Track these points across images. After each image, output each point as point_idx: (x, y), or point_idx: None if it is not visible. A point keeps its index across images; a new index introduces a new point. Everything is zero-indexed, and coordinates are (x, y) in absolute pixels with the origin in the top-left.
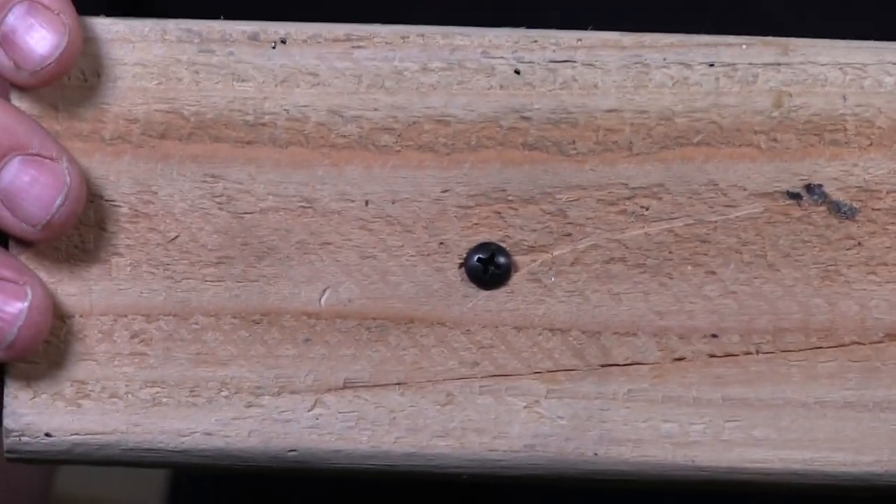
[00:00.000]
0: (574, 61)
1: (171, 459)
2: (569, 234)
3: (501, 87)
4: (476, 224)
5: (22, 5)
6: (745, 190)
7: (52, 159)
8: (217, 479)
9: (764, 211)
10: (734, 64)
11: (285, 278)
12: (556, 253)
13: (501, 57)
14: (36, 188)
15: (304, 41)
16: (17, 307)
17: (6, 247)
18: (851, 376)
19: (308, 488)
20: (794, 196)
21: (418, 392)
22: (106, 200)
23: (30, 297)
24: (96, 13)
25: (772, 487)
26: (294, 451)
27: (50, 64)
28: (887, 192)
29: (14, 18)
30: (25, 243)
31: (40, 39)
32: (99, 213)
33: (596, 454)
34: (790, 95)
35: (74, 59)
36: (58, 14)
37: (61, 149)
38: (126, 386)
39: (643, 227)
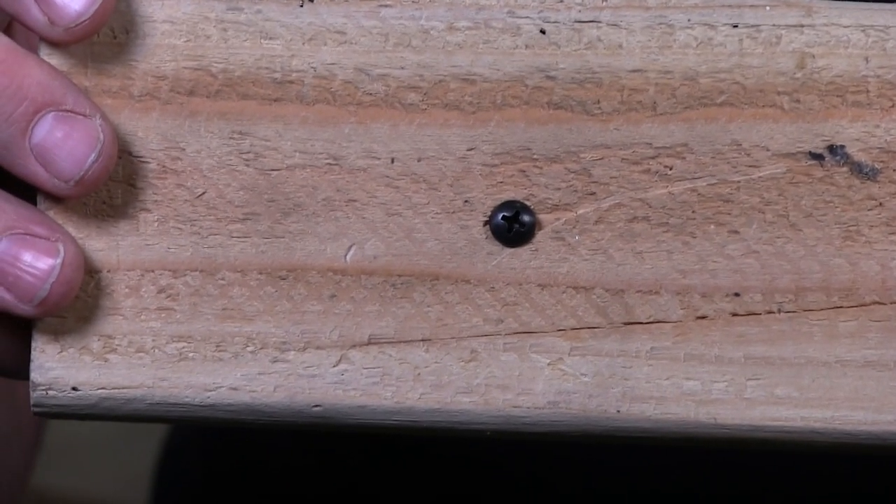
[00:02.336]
0: (599, 21)
1: (196, 414)
2: (593, 193)
3: (527, 46)
4: (501, 182)
5: None
6: (767, 150)
7: (85, 116)
8: (202, 479)
9: (786, 171)
10: (758, 25)
11: (311, 235)
12: (580, 211)
13: (527, 17)
14: (69, 144)
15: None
16: (48, 263)
17: (35, 203)
18: (872, 335)
19: (294, 486)
20: (817, 157)
21: (443, 349)
22: (134, 156)
23: (62, 253)
24: None
25: (793, 445)
26: (319, 406)
27: (84, 21)
28: None
29: None
30: (56, 199)
31: None
32: (127, 169)
33: (619, 411)
34: (813, 57)
35: (108, 16)
36: None
37: (94, 106)
38: (153, 341)
39: (667, 187)
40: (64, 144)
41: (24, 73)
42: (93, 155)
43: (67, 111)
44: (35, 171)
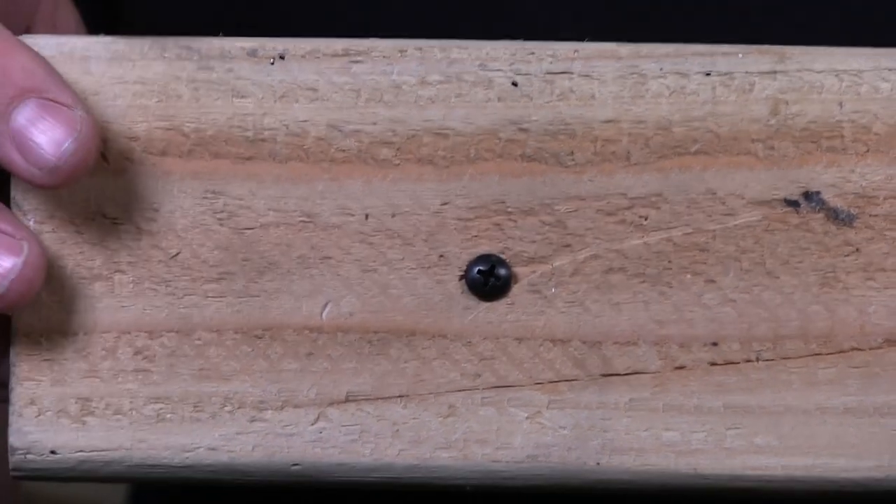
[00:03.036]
0: (571, 72)
1: (175, 475)
2: (568, 245)
3: (499, 99)
4: (476, 236)
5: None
6: (743, 198)
7: (66, 106)
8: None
9: (762, 219)
10: (730, 73)
11: (287, 293)
12: (555, 264)
13: (499, 69)
14: (48, 132)
15: (303, 56)
16: (10, 261)
17: (8, 205)
18: (851, 382)
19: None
20: (792, 203)
21: (420, 404)
22: (108, 218)
23: (25, 252)
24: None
25: (774, 494)
26: (298, 465)
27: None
28: (885, 198)
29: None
30: (33, 190)
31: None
32: (101, 231)
33: (598, 463)
34: (787, 103)
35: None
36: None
37: (77, 98)
38: (130, 402)
39: (642, 237)
40: (42, 132)
41: (10, 57)
42: (68, 143)
43: (49, 99)
44: (11, 157)
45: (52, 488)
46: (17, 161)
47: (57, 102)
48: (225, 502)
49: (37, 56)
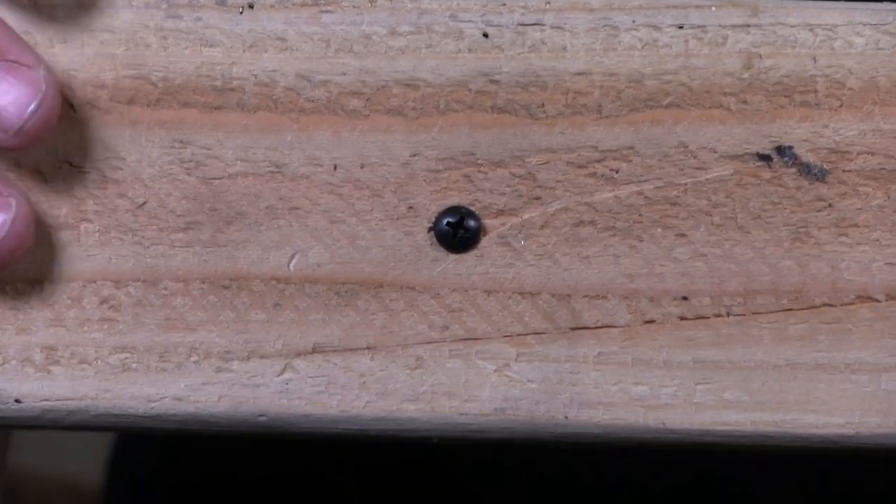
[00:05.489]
0: (542, 24)
1: (141, 424)
2: (538, 198)
3: (470, 50)
4: (445, 188)
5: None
6: (715, 152)
7: (29, 67)
8: (156, 450)
9: (734, 173)
10: (703, 26)
11: (254, 243)
12: (525, 216)
13: (469, 20)
14: (12, 94)
15: (272, 6)
16: (0, 218)
17: None
18: (822, 338)
19: (248, 463)
20: (765, 158)
21: (388, 356)
22: (74, 166)
23: (14, 208)
24: None
25: (743, 449)
26: (263, 415)
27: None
28: (858, 154)
29: None
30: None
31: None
32: (68, 179)
33: (566, 417)
34: (760, 57)
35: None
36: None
37: (39, 58)
38: (95, 352)
39: (613, 190)
40: (6, 94)
41: None
42: (33, 105)
43: (11, 61)
44: None
45: (36, 466)
46: None
47: (19, 63)
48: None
49: None
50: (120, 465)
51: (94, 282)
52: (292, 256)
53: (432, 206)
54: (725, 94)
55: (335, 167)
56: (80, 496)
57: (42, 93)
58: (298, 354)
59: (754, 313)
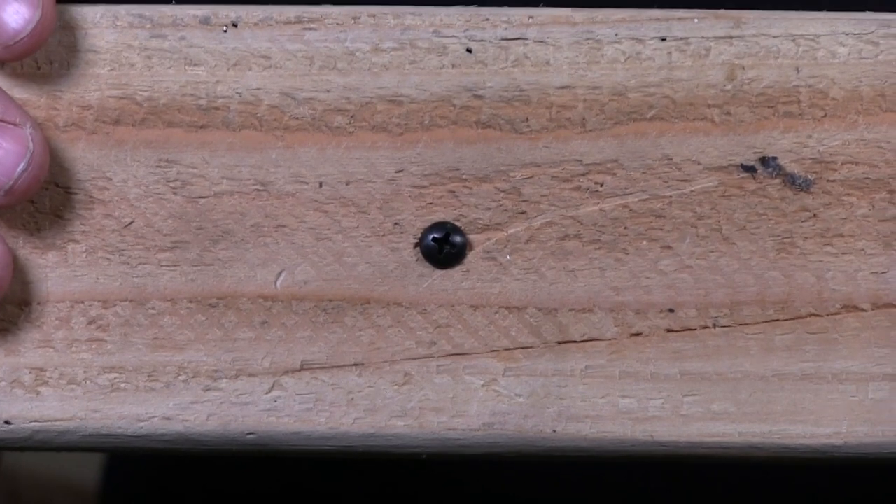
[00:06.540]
0: (526, 38)
1: (130, 444)
2: (523, 212)
3: (454, 65)
4: (430, 203)
5: None
6: (699, 164)
7: (15, 125)
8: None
9: (719, 185)
10: (686, 38)
11: (241, 261)
12: (511, 231)
13: (453, 36)
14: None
15: (256, 24)
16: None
17: None
18: (809, 348)
19: (244, 469)
20: (749, 169)
21: (376, 372)
22: (61, 187)
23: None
24: None
25: (731, 461)
26: (252, 433)
27: (23, 38)
28: (842, 164)
29: None
30: None
31: (14, 13)
32: (54, 200)
33: (555, 431)
34: (743, 68)
35: (47, 35)
36: None
37: (25, 115)
38: (84, 372)
39: (598, 203)
40: None
41: None
42: (22, 164)
43: None
44: None
45: (32, 465)
46: None
47: (5, 122)
48: (201, 479)
49: None
50: (116, 470)
51: (82, 302)
52: (279, 274)
53: (418, 221)
54: (709, 106)
55: (321, 184)
56: (81, 497)
57: (30, 151)
58: (286, 372)
59: (741, 324)
